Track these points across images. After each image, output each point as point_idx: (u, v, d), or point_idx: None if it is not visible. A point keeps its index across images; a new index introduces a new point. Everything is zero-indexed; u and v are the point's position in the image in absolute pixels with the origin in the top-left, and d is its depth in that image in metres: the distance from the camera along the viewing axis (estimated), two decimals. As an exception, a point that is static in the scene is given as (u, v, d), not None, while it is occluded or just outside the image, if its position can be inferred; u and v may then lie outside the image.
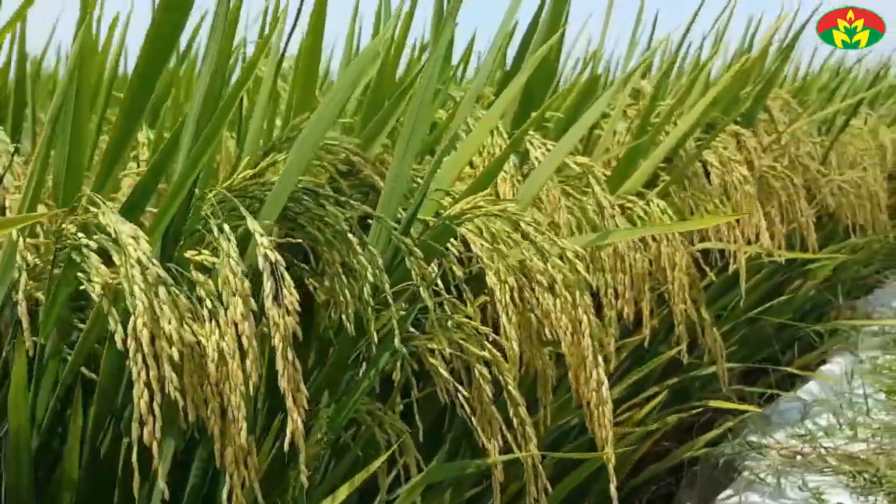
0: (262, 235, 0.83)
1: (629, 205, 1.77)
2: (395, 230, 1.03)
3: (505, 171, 1.51)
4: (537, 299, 1.04)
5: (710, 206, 1.81)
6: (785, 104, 2.58)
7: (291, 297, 0.81)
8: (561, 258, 1.05)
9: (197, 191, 0.95)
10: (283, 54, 1.16)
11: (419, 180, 1.20)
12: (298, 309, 0.81)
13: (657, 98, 2.35)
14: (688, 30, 2.17)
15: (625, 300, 1.47)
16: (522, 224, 1.06)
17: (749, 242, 1.96)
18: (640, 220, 1.74)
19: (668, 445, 2.36)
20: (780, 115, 2.51)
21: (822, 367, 3.13)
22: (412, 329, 1.10)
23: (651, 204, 1.74)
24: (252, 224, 0.84)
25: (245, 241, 1.00)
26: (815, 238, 2.46)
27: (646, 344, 1.76)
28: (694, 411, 2.24)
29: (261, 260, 0.82)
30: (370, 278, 0.98)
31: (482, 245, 1.05)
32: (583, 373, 1.06)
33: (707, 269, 2.12)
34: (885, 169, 3.46)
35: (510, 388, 1.04)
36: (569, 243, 1.06)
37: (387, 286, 0.99)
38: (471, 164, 1.55)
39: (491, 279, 1.09)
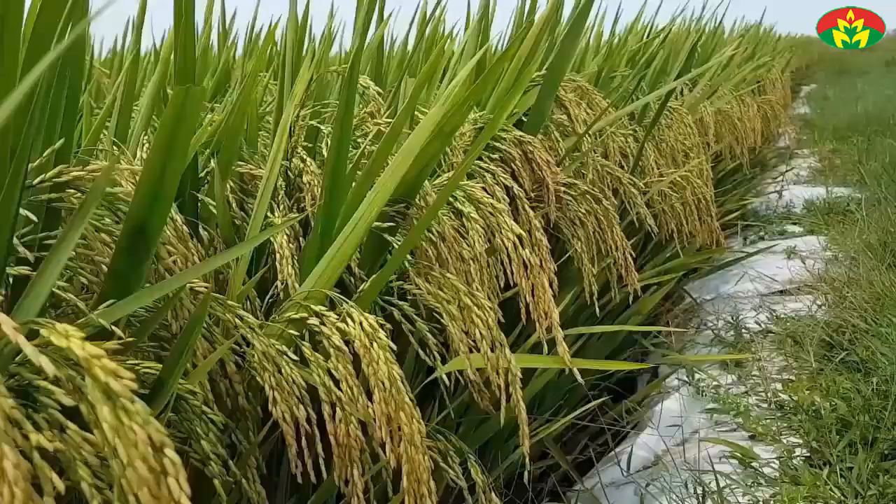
0: None
1: (313, 324, 0.94)
2: None
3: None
4: None
5: (460, 304, 1.00)
6: (582, 93, 1.81)
7: None
8: None
9: None
10: None
11: None
12: None
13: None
14: None
15: None
16: None
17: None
18: (335, 352, 0.92)
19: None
20: (579, 110, 1.75)
21: (659, 406, 2.46)
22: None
23: (351, 321, 0.92)
24: None
25: None
26: (636, 277, 1.73)
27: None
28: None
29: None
30: None
31: None
32: None
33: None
34: (708, 150, 2.79)
35: None
36: None
37: None
38: None
39: None
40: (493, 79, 1.08)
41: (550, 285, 1.31)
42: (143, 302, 0.83)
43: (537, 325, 1.13)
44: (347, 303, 0.91)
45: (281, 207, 1.28)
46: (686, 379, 2.49)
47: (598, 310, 1.70)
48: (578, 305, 1.85)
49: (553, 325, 1.10)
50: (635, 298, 2.13)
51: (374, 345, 0.89)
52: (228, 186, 1.27)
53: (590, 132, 1.72)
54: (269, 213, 1.15)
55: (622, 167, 2.04)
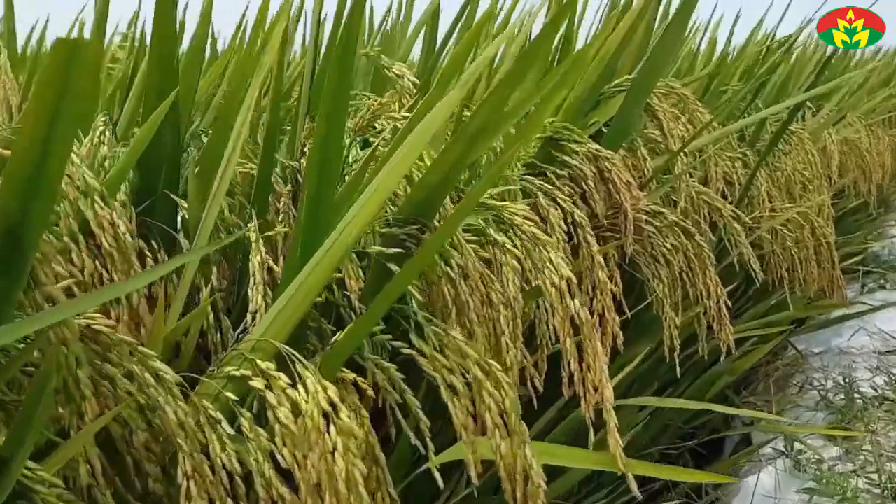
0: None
1: (257, 387, 0.68)
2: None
3: None
4: None
5: (477, 372, 0.72)
6: (684, 107, 1.51)
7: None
8: None
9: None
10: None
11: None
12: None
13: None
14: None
15: None
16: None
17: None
18: (281, 430, 0.66)
19: None
20: (676, 124, 1.45)
21: (749, 479, 2.11)
22: None
23: (303, 389, 0.66)
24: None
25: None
26: (730, 332, 1.41)
27: None
28: None
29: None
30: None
31: None
32: None
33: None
34: (831, 184, 2.43)
35: None
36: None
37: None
38: None
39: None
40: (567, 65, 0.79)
41: (614, 343, 1.02)
42: (4, 340, 0.59)
43: (582, 402, 0.84)
44: (301, 362, 0.65)
45: (280, 217, 1.03)
46: (783, 449, 2.14)
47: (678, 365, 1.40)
48: (656, 359, 1.55)
49: (604, 405, 0.81)
50: (728, 350, 1.81)
51: (332, 428, 0.63)
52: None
53: (686, 150, 1.42)
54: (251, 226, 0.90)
55: (725, 197, 1.73)
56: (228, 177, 0.80)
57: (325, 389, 0.63)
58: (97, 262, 0.80)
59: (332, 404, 0.63)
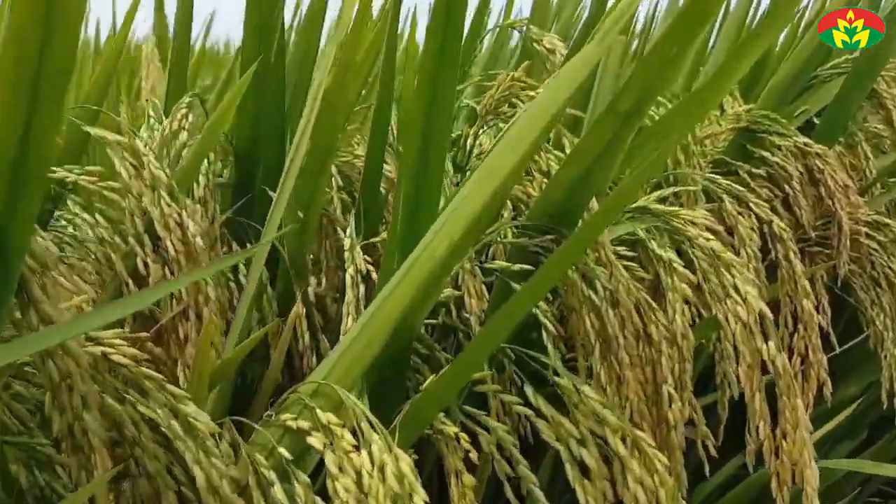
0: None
1: (315, 446, 0.51)
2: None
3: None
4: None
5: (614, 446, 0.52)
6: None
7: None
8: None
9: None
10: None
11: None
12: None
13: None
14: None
15: None
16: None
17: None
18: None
19: None
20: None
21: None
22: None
23: (379, 464, 0.48)
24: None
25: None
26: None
27: None
28: None
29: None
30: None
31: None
32: None
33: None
34: None
35: None
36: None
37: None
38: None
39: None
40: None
41: (818, 392, 0.79)
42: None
43: (773, 480, 0.62)
44: (368, 419, 0.47)
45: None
46: None
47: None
48: (867, 401, 1.27)
49: (805, 490, 0.59)
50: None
51: (402, 515, 0.45)
52: (335, 183, 0.87)
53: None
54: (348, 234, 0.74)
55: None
56: (301, 154, 0.64)
57: (396, 460, 0.45)
58: (166, 269, 0.66)
59: (410, 486, 0.45)
